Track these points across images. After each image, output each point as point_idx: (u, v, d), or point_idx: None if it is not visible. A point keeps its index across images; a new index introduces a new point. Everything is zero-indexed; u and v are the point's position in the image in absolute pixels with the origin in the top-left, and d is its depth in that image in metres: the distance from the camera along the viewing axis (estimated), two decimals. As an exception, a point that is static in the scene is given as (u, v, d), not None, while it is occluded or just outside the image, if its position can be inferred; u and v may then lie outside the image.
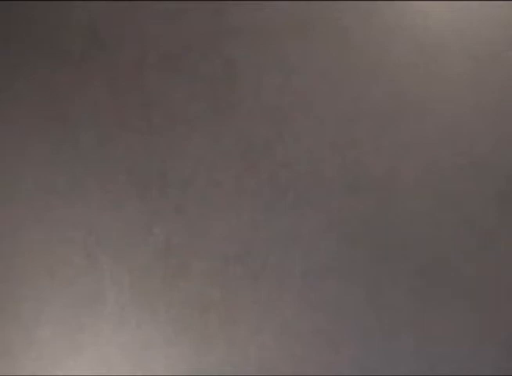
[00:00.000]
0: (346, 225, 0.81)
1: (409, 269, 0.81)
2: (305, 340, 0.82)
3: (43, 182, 0.83)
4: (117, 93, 0.84)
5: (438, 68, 0.82)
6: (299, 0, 0.83)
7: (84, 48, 0.84)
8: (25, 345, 0.83)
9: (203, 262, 0.82)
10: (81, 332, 0.82)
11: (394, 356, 0.81)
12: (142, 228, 0.82)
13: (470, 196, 0.82)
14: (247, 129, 0.82)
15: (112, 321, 0.82)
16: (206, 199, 0.82)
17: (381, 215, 0.81)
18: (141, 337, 0.82)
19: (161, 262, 0.82)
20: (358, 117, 0.82)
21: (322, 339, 0.81)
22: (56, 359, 0.83)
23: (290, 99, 0.83)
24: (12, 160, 0.84)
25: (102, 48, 0.84)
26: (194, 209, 0.82)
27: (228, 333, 0.82)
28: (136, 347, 0.82)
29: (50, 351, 0.83)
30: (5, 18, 0.85)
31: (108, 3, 0.84)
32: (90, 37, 0.84)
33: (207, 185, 0.82)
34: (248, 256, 0.82)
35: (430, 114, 0.82)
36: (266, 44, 0.84)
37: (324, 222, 0.82)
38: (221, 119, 0.83)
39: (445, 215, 0.81)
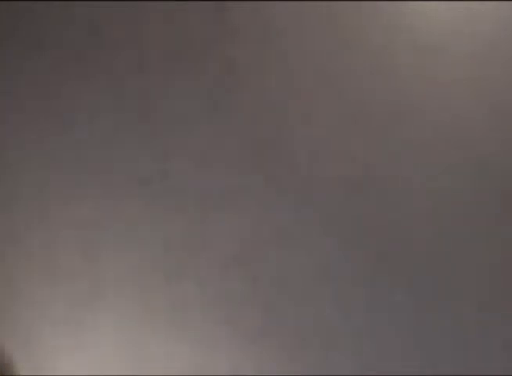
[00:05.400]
0: (346, 225, 0.82)
1: (409, 269, 0.81)
2: (305, 340, 0.82)
3: (43, 183, 0.83)
4: (117, 93, 0.84)
5: (438, 68, 0.83)
6: (299, 0, 0.83)
7: (84, 47, 0.84)
8: (24, 345, 0.83)
9: (203, 262, 0.82)
10: (81, 331, 0.83)
11: (394, 356, 0.82)
12: (142, 228, 0.83)
13: (470, 195, 0.82)
14: (247, 129, 0.83)
15: (112, 321, 0.83)
16: (206, 199, 0.82)
17: (381, 215, 0.82)
18: (141, 337, 0.82)
19: (161, 262, 0.82)
20: (359, 117, 0.83)
21: (322, 339, 0.81)
22: (56, 359, 0.83)
23: (290, 99, 0.83)
24: (12, 160, 0.84)
25: (102, 47, 0.84)
26: (194, 209, 0.82)
27: (229, 333, 0.82)
28: (136, 347, 0.82)
29: (50, 351, 0.83)
30: (4, 17, 0.85)
31: (108, 3, 0.84)
32: (90, 36, 0.84)
33: (207, 185, 0.82)
34: (248, 256, 0.82)
35: (431, 114, 0.82)
36: (266, 44, 0.84)
37: (324, 222, 0.82)
38: (221, 119, 0.83)
39: (445, 215, 0.82)
